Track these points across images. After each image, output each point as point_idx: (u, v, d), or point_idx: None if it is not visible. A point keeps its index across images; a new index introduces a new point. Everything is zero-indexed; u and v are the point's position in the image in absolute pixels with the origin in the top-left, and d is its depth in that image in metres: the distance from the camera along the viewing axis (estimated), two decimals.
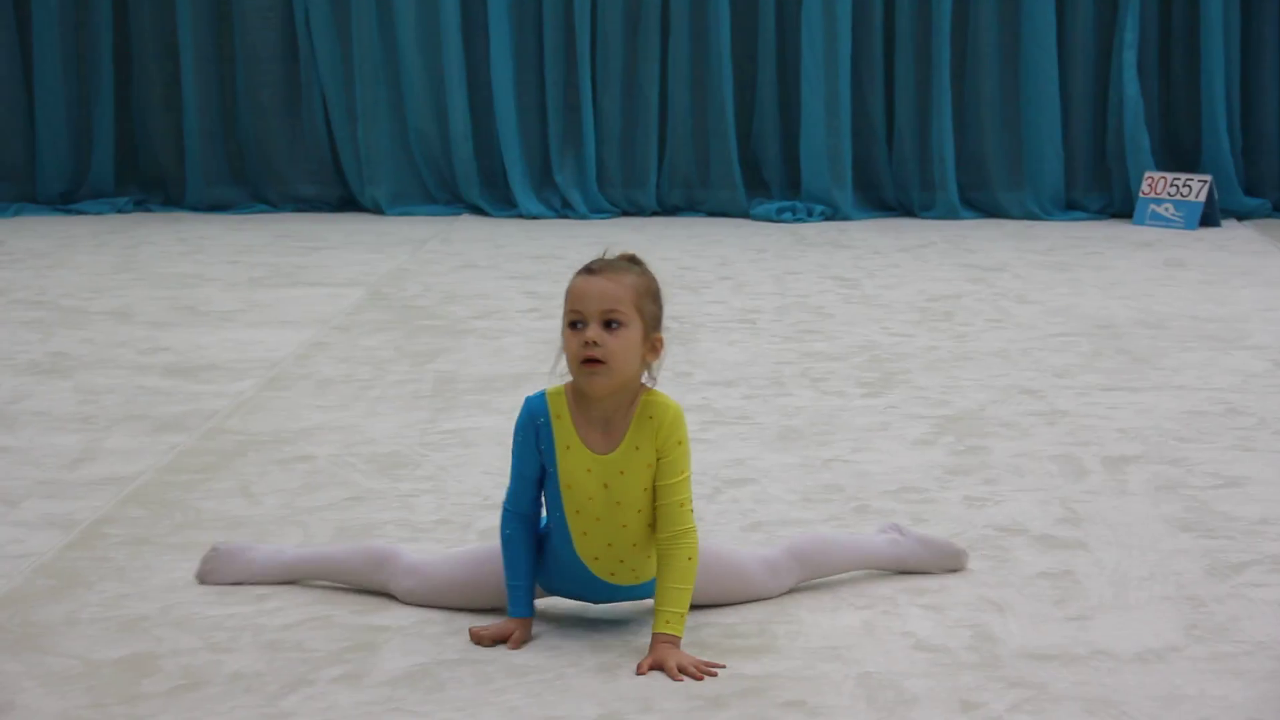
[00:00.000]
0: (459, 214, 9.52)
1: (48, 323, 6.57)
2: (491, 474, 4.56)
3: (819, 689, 3.15)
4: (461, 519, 4.18)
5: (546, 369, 5.57)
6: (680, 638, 3.28)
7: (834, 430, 5.00)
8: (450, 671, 3.25)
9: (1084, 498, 4.32)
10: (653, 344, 3.32)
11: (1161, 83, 9.49)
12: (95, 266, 7.86)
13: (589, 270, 3.33)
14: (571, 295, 3.30)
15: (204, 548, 3.81)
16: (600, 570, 3.40)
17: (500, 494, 4.35)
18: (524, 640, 3.37)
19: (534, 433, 3.35)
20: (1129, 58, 9.21)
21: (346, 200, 9.76)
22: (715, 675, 3.21)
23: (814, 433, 4.97)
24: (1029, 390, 5.45)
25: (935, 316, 6.64)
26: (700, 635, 3.41)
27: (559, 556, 3.41)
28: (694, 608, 3.42)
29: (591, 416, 3.33)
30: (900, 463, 4.66)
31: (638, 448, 3.32)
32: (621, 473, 3.33)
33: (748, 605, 3.58)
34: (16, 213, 9.52)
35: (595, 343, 3.25)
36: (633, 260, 3.38)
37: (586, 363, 3.26)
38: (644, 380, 3.36)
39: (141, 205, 9.76)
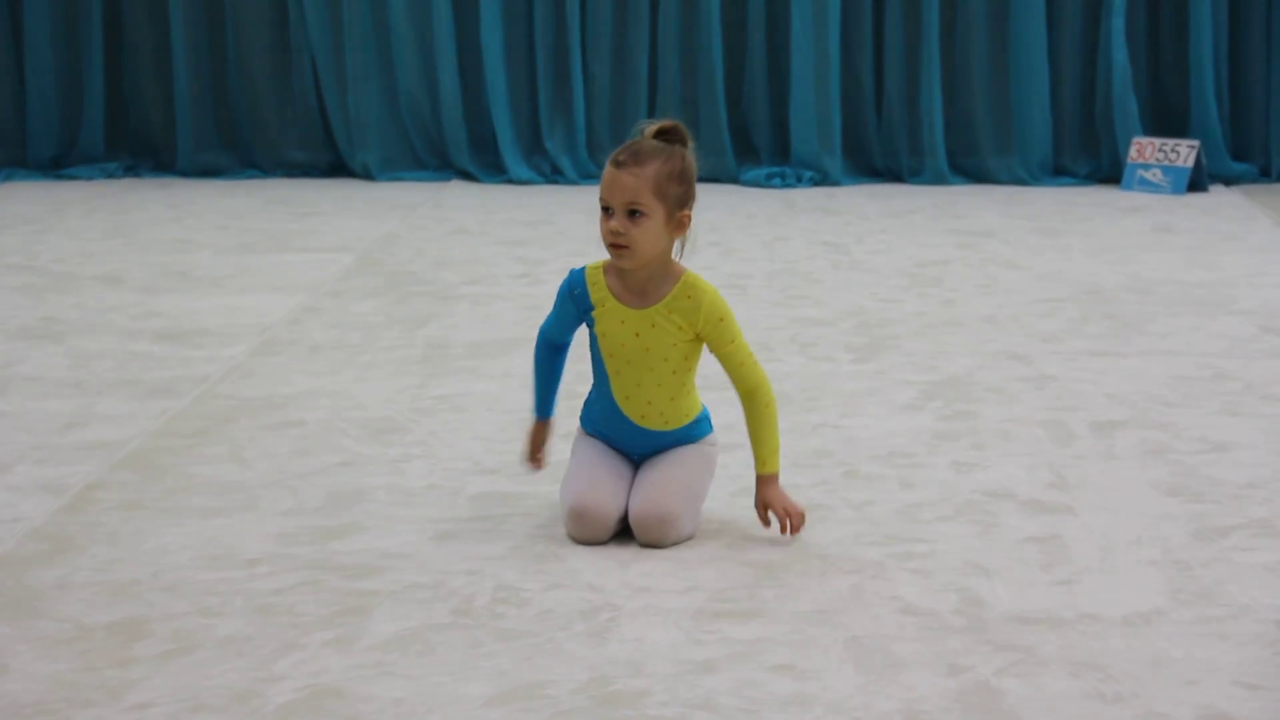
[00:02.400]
0: (449, 180, 9.52)
1: (38, 288, 6.57)
2: (482, 439, 4.57)
3: (807, 653, 3.18)
4: (452, 484, 4.19)
5: (536, 335, 5.60)
6: (777, 473, 3.81)
7: (823, 395, 5.02)
8: (440, 635, 3.27)
9: (1071, 462, 4.34)
10: (679, 221, 3.73)
11: (1149, 48, 9.48)
12: (86, 232, 7.86)
13: (616, 163, 3.70)
14: (602, 185, 3.73)
15: (196, 512, 3.83)
16: (631, 411, 3.84)
17: (490, 460, 4.38)
18: (544, 440, 4.00)
19: (571, 299, 3.83)
20: (1117, 23, 9.20)
21: (337, 166, 9.75)
22: (799, 528, 3.78)
23: (803, 398, 4.99)
24: (1017, 355, 5.46)
25: (924, 282, 6.65)
26: (689, 600, 3.44)
27: (599, 396, 3.88)
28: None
29: (628, 283, 3.78)
30: (889, 428, 4.68)
31: (671, 312, 3.76)
32: (653, 325, 3.76)
33: (736, 568, 3.60)
34: (7, 178, 9.50)
35: (619, 231, 3.67)
36: (667, 134, 3.75)
37: (614, 246, 3.69)
38: (676, 256, 3.79)
39: (132, 171, 9.74)
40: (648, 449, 3.89)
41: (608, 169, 3.72)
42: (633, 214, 3.68)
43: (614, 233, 3.68)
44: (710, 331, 3.78)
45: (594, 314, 3.81)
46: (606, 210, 3.71)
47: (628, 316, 3.78)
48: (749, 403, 3.81)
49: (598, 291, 3.80)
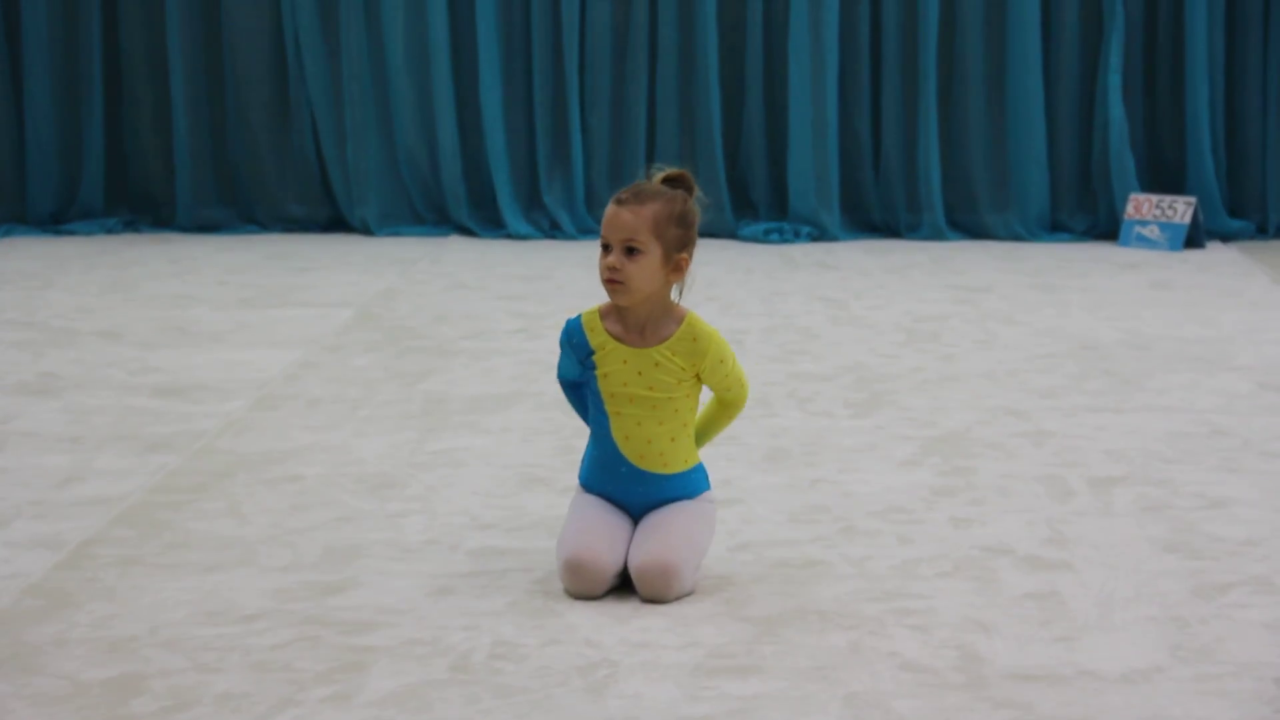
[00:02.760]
0: (448, 234, 9.53)
1: (37, 343, 6.58)
2: (480, 494, 4.57)
3: (806, 710, 3.17)
4: (450, 539, 4.19)
5: (535, 389, 5.60)
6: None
7: (821, 450, 5.02)
8: (438, 692, 3.26)
9: (1070, 518, 4.34)
10: (676, 264, 3.79)
11: (1146, 105, 9.52)
12: (85, 287, 7.87)
13: (617, 200, 3.78)
14: (603, 222, 3.79)
15: (193, 567, 3.82)
16: (630, 452, 3.85)
17: (488, 515, 4.38)
18: None
19: (570, 347, 3.87)
20: (1114, 80, 9.24)
21: (335, 221, 9.77)
22: None
23: (801, 453, 4.99)
24: (1015, 411, 5.47)
25: (922, 337, 6.66)
26: (687, 656, 3.43)
27: (597, 442, 3.89)
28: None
29: (628, 323, 3.82)
30: (887, 483, 4.68)
31: (674, 354, 3.81)
32: (655, 365, 3.81)
33: (735, 624, 3.59)
34: (6, 233, 9.51)
35: (615, 267, 3.74)
36: (673, 181, 3.85)
37: (610, 281, 3.75)
38: (675, 297, 3.85)
39: (131, 226, 9.75)
40: (646, 501, 3.89)
41: (609, 207, 3.79)
42: (630, 251, 3.74)
43: (610, 268, 3.75)
44: (710, 373, 3.85)
45: (595, 358, 3.84)
46: (606, 248, 3.77)
47: (630, 356, 3.82)
48: (721, 406, 3.97)
49: (596, 336, 3.84)
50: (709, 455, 4.67)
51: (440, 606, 3.72)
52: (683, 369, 3.82)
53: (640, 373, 3.81)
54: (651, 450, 3.85)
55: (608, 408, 3.85)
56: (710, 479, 4.01)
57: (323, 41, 9.56)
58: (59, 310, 7.28)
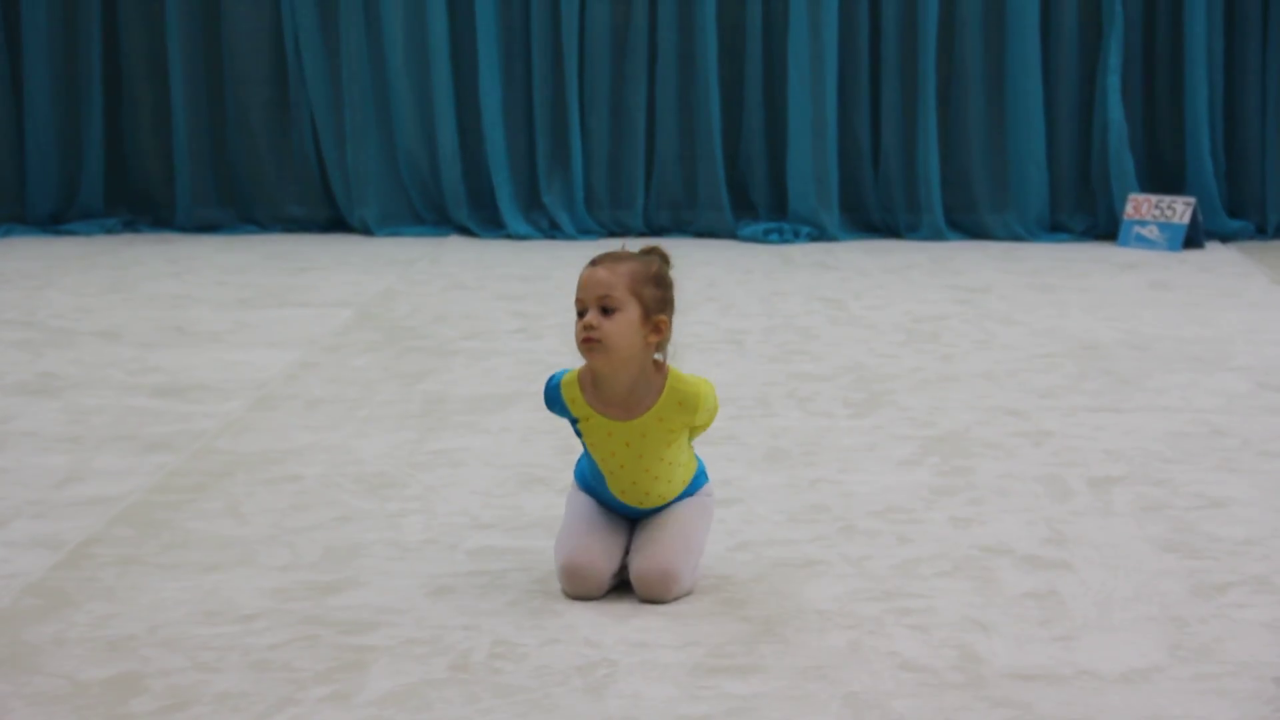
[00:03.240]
0: (447, 235, 9.53)
1: (36, 343, 6.57)
2: (479, 494, 4.57)
3: (805, 709, 3.17)
4: (449, 539, 4.19)
5: (534, 389, 5.60)
6: None
7: (820, 451, 5.01)
8: (438, 691, 3.26)
9: (1069, 518, 4.34)
10: (655, 325, 3.69)
11: (1145, 106, 9.51)
12: (84, 287, 7.87)
13: (592, 262, 3.74)
14: (577, 285, 3.72)
15: (192, 567, 3.82)
16: (631, 499, 3.83)
17: (488, 515, 4.38)
18: None
19: (553, 411, 3.82)
20: (1113, 81, 9.24)
21: (335, 221, 9.76)
22: None
23: (800, 453, 4.99)
24: (1014, 411, 5.47)
25: (921, 337, 6.66)
26: (687, 655, 3.43)
27: (594, 478, 3.86)
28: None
29: (607, 396, 3.74)
30: (886, 483, 4.67)
31: (661, 419, 3.73)
32: (643, 435, 3.74)
33: (734, 624, 3.59)
34: (5, 233, 9.51)
35: (592, 325, 3.65)
36: (648, 251, 3.77)
37: (586, 341, 3.66)
38: (658, 358, 3.75)
39: (130, 226, 9.75)
40: (646, 512, 3.89)
41: (584, 270, 3.72)
42: (606, 310, 3.65)
43: (587, 327, 3.65)
44: (704, 424, 3.81)
45: (579, 426, 3.79)
46: (580, 313, 3.69)
47: (614, 429, 3.75)
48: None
49: (578, 408, 3.77)
50: (708, 455, 4.67)
51: (440, 606, 3.72)
52: (674, 430, 3.76)
53: (628, 444, 3.76)
54: (650, 498, 3.84)
55: (601, 468, 3.83)
56: (709, 474, 4.01)
57: (322, 42, 9.56)
58: (58, 310, 7.28)
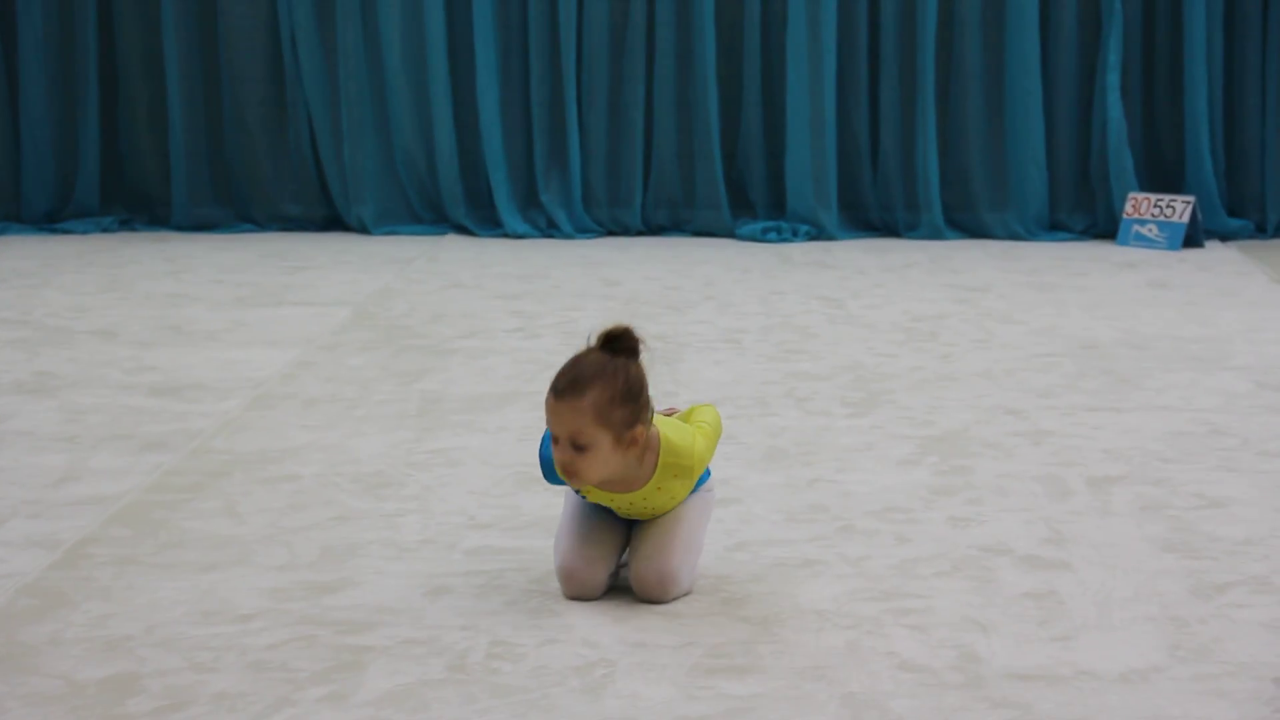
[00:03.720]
0: (444, 234, 9.52)
1: (32, 342, 6.57)
2: (477, 493, 4.56)
3: (804, 709, 3.16)
4: (447, 539, 4.18)
5: (532, 388, 5.60)
6: None
7: (819, 450, 5.01)
8: (435, 691, 3.25)
9: (1068, 518, 4.33)
10: (630, 439, 3.59)
11: (1145, 104, 9.51)
12: (80, 286, 7.86)
13: (555, 391, 3.57)
14: (546, 411, 3.60)
15: (189, 567, 3.81)
16: (632, 515, 3.81)
17: (485, 515, 4.37)
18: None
19: (550, 481, 3.77)
20: (1112, 79, 9.24)
21: (332, 220, 9.76)
22: None
23: (798, 453, 4.98)
24: (1013, 410, 5.46)
25: (920, 337, 6.65)
26: (685, 655, 3.42)
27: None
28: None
29: (604, 481, 3.67)
30: (885, 483, 4.67)
31: (660, 488, 3.72)
32: (645, 499, 3.74)
33: (733, 624, 3.58)
34: (1, 232, 9.51)
35: (566, 461, 3.57)
36: (615, 341, 3.59)
37: (565, 473, 3.60)
38: (646, 425, 3.64)
39: (127, 225, 9.75)
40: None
41: (548, 397, 3.58)
42: (578, 447, 3.56)
43: (562, 464, 3.58)
44: (700, 468, 3.75)
45: (579, 492, 3.76)
46: (555, 439, 3.60)
47: (615, 499, 3.76)
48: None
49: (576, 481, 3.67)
50: None
51: (437, 606, 3.71)
52: (675, 495, 3.76)
53: (632, 503, 3.76)
54: (654, 512, 3.82)
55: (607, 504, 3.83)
56: (711, 470, 4.00)
57: (319, 40, 9.55)
58: (54, 309, 7.27)
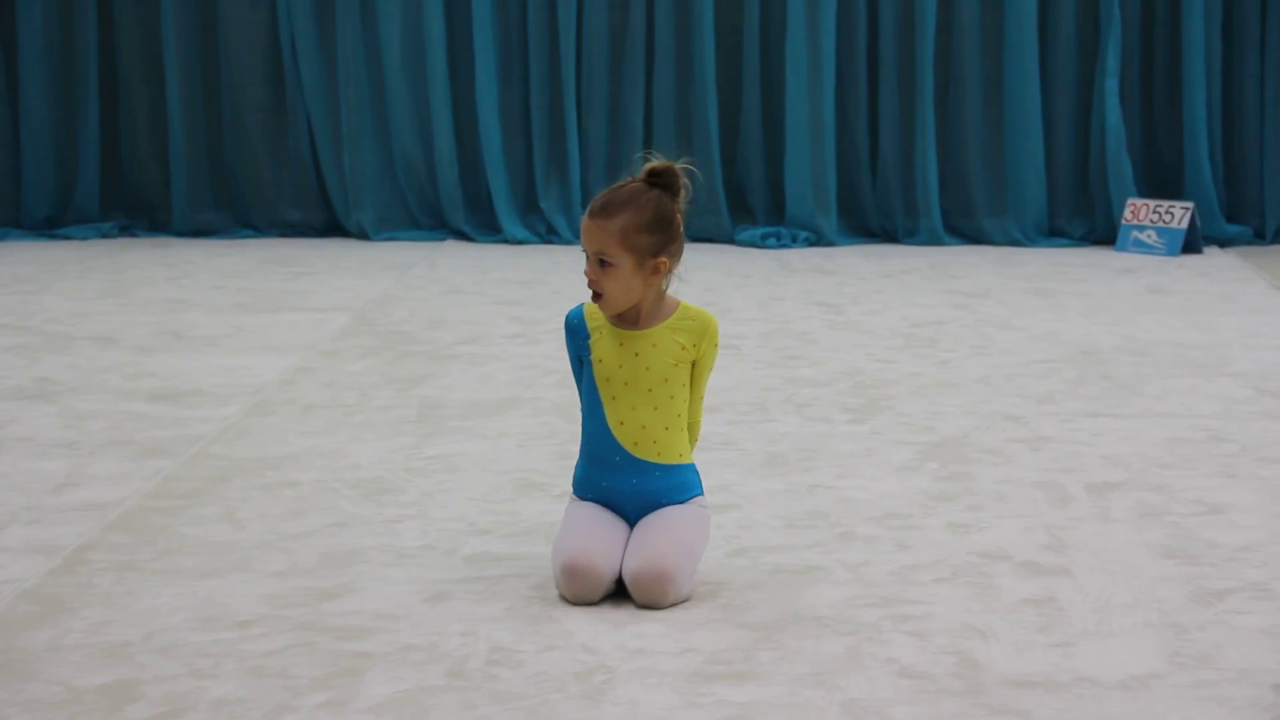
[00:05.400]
0: (444, 239, 9.52)
1: (32, 348, 6.56)
2: (476, 499, 4.56)
3: (803, 716, 3.16)
4: (446, 545, 4.18)
5: (531, 394, 5.60)
6: None
7: (818, 456, 5.01)
8: (434, 698, 3.25)
9: (1067, 524, 4.33)
10: (654, 267, 3.78)
11: (1143, 110, 9.51)
12: (80, 291, 7.86)
13: (590, 212, 3.80)
14: (580, 231, 3.85)
15: (188, 573, 3.81)
16: (625, 438, 3.84)
17: (484, 520, 4.37)
18: None
19: (570, 333, 3.90)
20: (1111, 85, 9.24)
21: (332, 226, 9.76)
22: None
23: (798, 459, 4.98)
24: (1012, 416, 5.46)
25: (919, 342, 6.65)
26: (684, 662, 3.42)
27: (590, 431, 3.89)
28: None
29: (624, 315, 3.84)
30: (884, 489, 4.67)
31: (675, 332, 3.84)
32: (654, 345, 3.83)
33: (732, 630, 3.58)
34: (1, 238, 9.51)
35: (593, 278, 3.78)
36: (658, 176, 3.82)
37: (591, 288, 3.80)
38: (669, 291, 3.86)
39: (127, 230, 9.74)
40: (640, 495, 3.86)
41: (584, 216, 3.82)
42: (603, 264, 3.77)
43: (588, 276, 3.81)
44: (705, 355, 3.88)
45: (590, 341, 3.87)
46: (586, 254, 3.83)
47: (626, 338, 3.84)
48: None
49: (594, 320, 3.88)
50: (706, 460, 4.66)
51: (436, 612, 3.71)
52: (683, 347, 3.85)
53: (637, 354, 3.83)
54: (645, 437, 3.84)
55: (601, 394, 3.85)
56: (705, 484, 4.00)
57: (319, 46, 9.55)
58: (54, 315, 7.27)
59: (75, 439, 5.22)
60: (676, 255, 3.83)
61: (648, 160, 3.87)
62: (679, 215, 3.82)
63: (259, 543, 4.20)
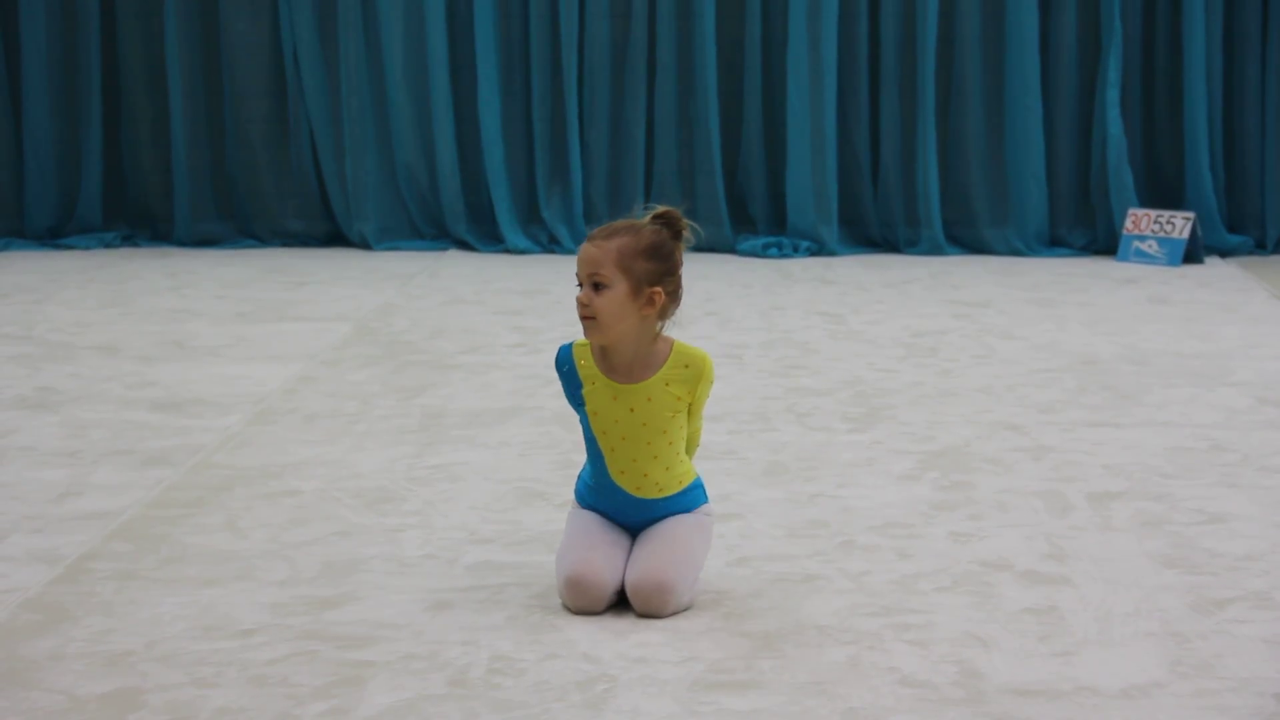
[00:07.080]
0: (446, 249, 9.53)
1: (35, 357, 6.57)
2: (478, 508, 4.56)
3: None
4: (448, 554, 4.18)
5: (533, 404, 5.60)
6: None
7: (819, 465, 5.01)
8: (435, 706, 3.25)
9: (1069, 533, 4.33)
10: (649, 297, 3.74)
11: (1145, 120, 9.52)
12: (83, 301, 7.86)
13: (589, 236, 3.78)
14: (577, 263, 3.78)
15: (191, 582, 3.81)
16: (627, 484, 3.83)
17: (486, 530, 4.37)
18: None
19: (562, 375, 3.85)
20: (1112, 95, 9.25)
21: (334, 235, 9.77)
22: None
23: (799, 468, 4.98)
24: (1014, 426, 5.46)
25: (920, 352, 6.66)
26: (686, 671, 3.42)
27: (593, 472, 3.88)
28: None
29: (614, 363, 3.79)
30: (886, 498, 4.67)
31: (668, 384, 3.79)
32: (649, 400, 3.79)
33: (733, 639, 3.59)
34: (4, 248, 9.52)
35: (584, 302, 3.73)
36: (661, 219, 3.81)
37: (582, 318, 3.75)
38: (661, 330, 3.81)
39: (129, 240, 9.76)
40: (644, 519, 3.88)
41: (582, 245, 3.79)
42: (597, 286, 3.72)
43: (580, 303, 3.74)
44: (700, 395, 3.85)
45: (583, 392, 3.82)
46: (580, 286, 3.77)
47: (620, 392, 3.79)
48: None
49: (586, 369, 3.82)
50: (708, 470, 4.67)
51: (438, 621, 3.71)
52: (679, 398, 3.81)
53: (632, 409, 3.78)
54: (648, 482, 3.84)
55: (600, 445, 3.83)
56: (709, 493, 4.01)
57: (322, 56, 9.57)
58: (57, 324, 7.27)
59: (77, 448, 5.22)
60: (674, 295, 3.79)
61: (647, 209, 3.85)
62: (679, 255, 3.80)
63: (261, 552, 4.21)
